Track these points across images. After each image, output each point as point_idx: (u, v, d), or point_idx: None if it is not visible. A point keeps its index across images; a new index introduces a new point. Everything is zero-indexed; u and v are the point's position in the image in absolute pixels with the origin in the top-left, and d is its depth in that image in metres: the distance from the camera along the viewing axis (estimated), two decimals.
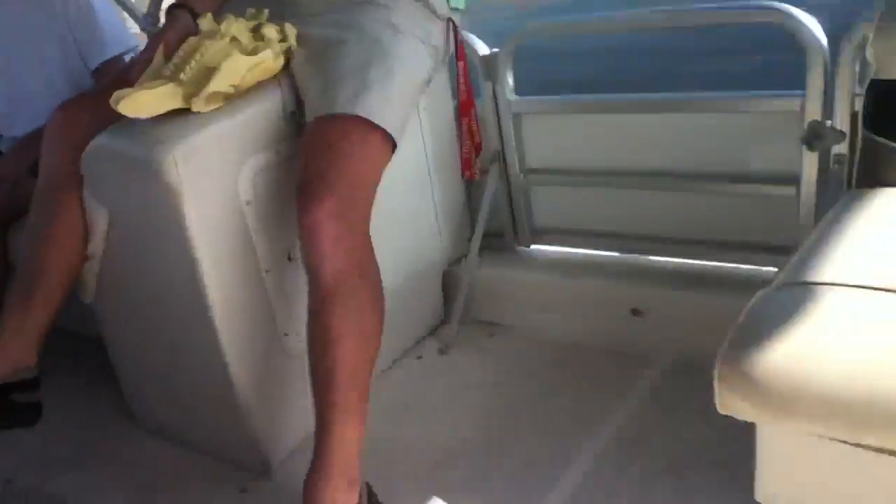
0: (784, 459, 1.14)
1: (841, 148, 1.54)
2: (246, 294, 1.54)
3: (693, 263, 1.85)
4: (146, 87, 1.40)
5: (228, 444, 1.65)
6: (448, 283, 2.07)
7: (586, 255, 2.02)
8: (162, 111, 1.41)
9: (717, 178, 1.77)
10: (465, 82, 1.78)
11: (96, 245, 1.59)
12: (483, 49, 1.92)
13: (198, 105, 1.40)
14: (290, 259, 1.58)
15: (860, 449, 1.00)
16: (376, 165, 1.46)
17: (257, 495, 1.58)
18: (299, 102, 1.52)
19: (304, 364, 1.56)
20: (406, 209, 1.89)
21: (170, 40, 1.50)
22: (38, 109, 2.14)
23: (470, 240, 2.07)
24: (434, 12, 1.64)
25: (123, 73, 1.56)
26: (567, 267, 2.01)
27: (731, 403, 1.05)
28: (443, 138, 1.96)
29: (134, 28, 2.56)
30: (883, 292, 1.02)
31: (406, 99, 1.54)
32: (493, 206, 2.02)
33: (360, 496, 1.36)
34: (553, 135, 1.97)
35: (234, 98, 1.45)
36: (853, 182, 1.43)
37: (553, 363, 1.84)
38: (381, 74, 1.46)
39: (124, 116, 1.41)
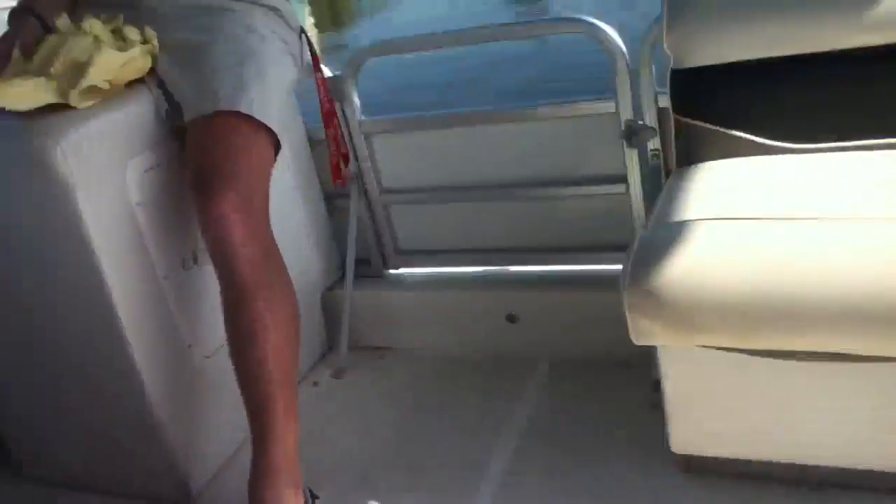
0: (688, 377, 1.27)
1: (655, 143, 1.73)
2: (147, 301, 1.46)
3: (555, 269, 1.97)
4: (18, 79, 1.33)
5: (141, 477, 1.53)
6: (328, 309, 2.07)
7: (455, 271, 2.09)
8: (38, 104, 1.34)
9: (555, 184, 1.91)
10: (325, 92, 1.82)
11: None
12: (328, 72, 1.98)
13: (74, 99, 1.35)
14: (184, 267, 1.50)
15: (755, 357, 1.18)
16: (267, 160, 1.46)
17: None
18: (171, 105, 1.50)
19: (212, 380, 1.46)
20: (278, 232, 1.87)
21: (24, 41, 1.44)
22: None
23: (342, 265, 2.08)
24: (288, 23, 1.68)
25: None
26: (439, 284, 2.07)
27: (642, 329, 1.20)
28: (301, 160, 1.98)
29: None
30: (740, 220, 1.24)
31: (281, 99, 1.56)
32: (357, 230, 2.05)
33: (304, 498, 1.32)
34: (404, 154, 2.05)
35: (109, 96, 1.41)
36: (673, 167, 1.63)
37: (445, 375, 1.89)
38: (254, 73, 1.48)
39: None
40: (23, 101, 1.33)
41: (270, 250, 1.39)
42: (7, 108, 1.33)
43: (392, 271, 2.15)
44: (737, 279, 1.14)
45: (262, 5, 1.63)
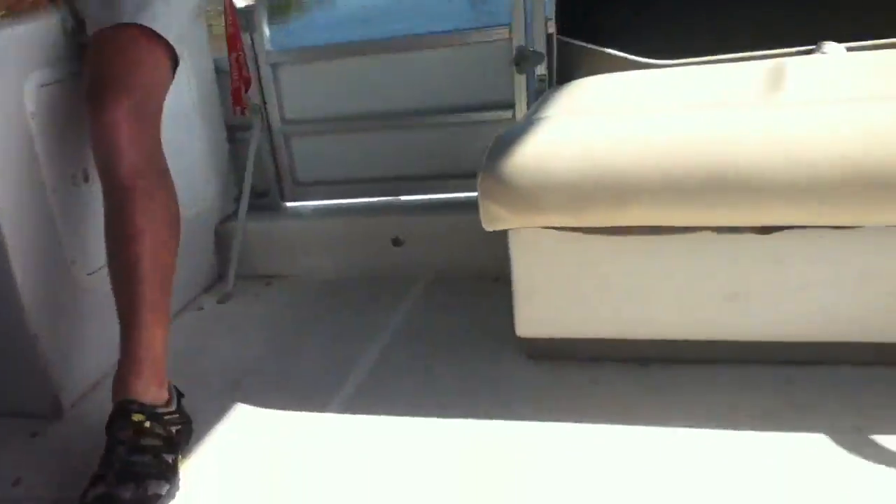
0: (533, 260, 1.38)
1: (543, 69, 1.81)
2: (32, 213, 1.45)
3: (441, 197, 2.04)
4: None
5: (14, 388, 1.52)
6: (220, 240, 2.07)
7: (348, 201, 2.13)
8: None
9: (448, 112, 1.97)
10: (232, 16, 1.80)
11: None
12: (240, 2, 1.94)
13: None
14: (74, 184, 1.49)
15: (589, 235, 1.31)
16: (164, 74, 1.46)
17: (49, 439, 1.46)
18: (77, 23, 1.49)
19: (93, 298, 1.44)
20: (174, 162, 1.85)
21: None
22: None
23: (237, 198, 2.08)
24: None
25: None
26: (330, 213, 2.11)
27: (492, 213, 1.32)
28: (204, 88, 1.96)
29: None
30: (578, 116, 1.40)
31: (182, 17, 1.54)
32: (256, 161, 2.06)
33: (170, 394, 1.33)
34: (308, 85, 2.06)
35: (18, 9, 1.43)
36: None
37: (329, 294, 1.94)
38: None
39: None
40: None
41: (154, 158, 1.40)
42: None
43: (289, 204, 2.16)
44: (571, 162, 1.27)
45: None
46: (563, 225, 1.32)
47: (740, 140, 1.21)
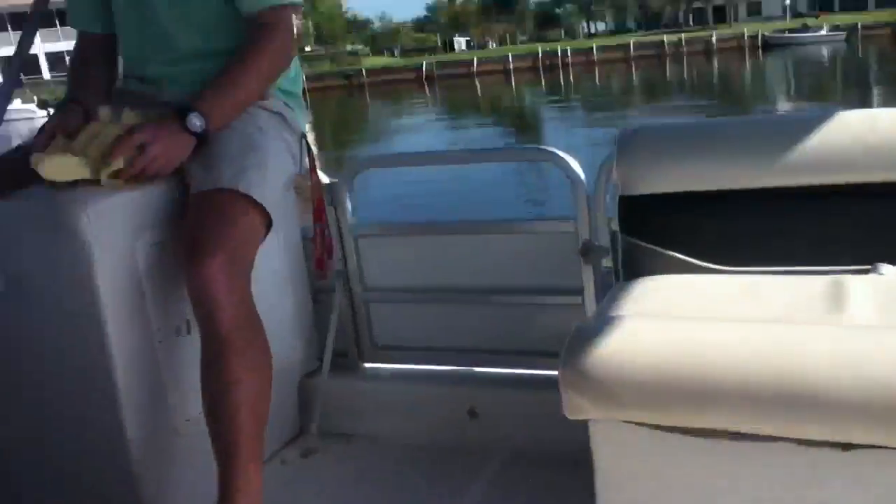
0: (615, 452, 1.41)
1: (608, 260, 1.93)
2: (142, 361, 1.61)
3: (517, 372, 2.12)
4: (59, 155, 1.55)
5: None
6: (302, 396, 2.20)
7: (424, 367, 2.24)
8: (73, 178, 1.55)
9: (518, 293, 2.09)
10: (318, 190, 2.01)
11: None
12: (325, 179, 2.19)
13: (103, 178, 1.56)
14: (178, 334, 1.65)
15: (672, 433, 1.33)
16: (256, 235, 1.64)
17: None
18: (184, 188, 1.70)
19: (191, 443, 1.56)
20: (263, 318, 2.01)
21: (68, 126, 1.66)
22: None
23: (320, 356, 2.21)
24: (290, 127, 1.91)
25: (22, 147, 1.70)
26: (409, 378, 2.22)
27: (574, 403, 1.37)
28: (292, 252, 2.16)
29: None
30: (656, 317, 1.47)
31: (277, 187, 1.75)
32: (338, 323, 2.21)
33: None
34: (387, 256, 2.24)
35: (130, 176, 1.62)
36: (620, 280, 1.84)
37: (404, 461, 2.02)
38: (255, 162, 1.68)
39: (16, 187, 1.57)
40: (60, 174, 1.55)
41: (250, 312, 1.55)
42: (46, 178, 1.54)
43: (367, 365, 2.29)
44: (648, 363, 1.32)
45: (269, 110, 1.86)
46: (643, 421, 1.36)
47: (810, 357, 1.25)
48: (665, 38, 53.23)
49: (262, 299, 1.69)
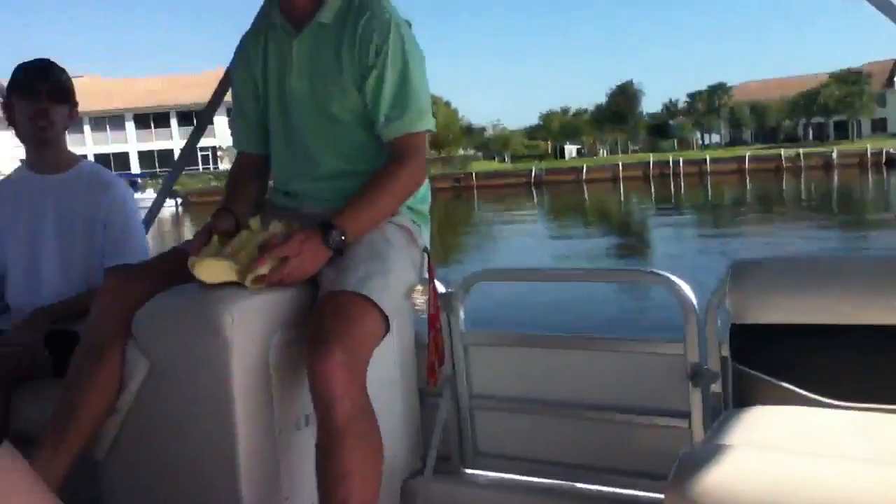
0: None
1: (717, 386, 1.95)
2: (262, 451, 1.73)
3: (618, 491, 2.13)
4: (212, 259, 1.75)
5: None
6: (405, 494, 2.26)
7: (524, 479, 2.27)
8: (222, 280, 1.74)
9: (623, 411, 2.12)
10: (435, 301, 2.14)
11: (126, 399, 1.77)
12: (441, 288, 2.32)
13: (248, 283, 1.74)
14: (297, 427, 1.78)
15: None
16: (374, 336, 1.76)
17: None
18: (315, 290, 1.85)
19: None
20: None
21: (219, 230, 1.89)
22: (49, 288, 2.40)
23: (423, 457, 2.29)
24: (415, 242, 2.08)
25: (178, 249, 1.93)
26: (509, 489, 2.26)
27: None
28: (405, 357, 2.27)
29: None
30: (767, 450, 1.47)
31: (397, 294, 1.89)
32: (443, 428, 2.28)
33: None
34: (495, 365, 2.32)
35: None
36: (729, 406, 1.85)
37: None
38: (380, 269, 1.83)
39: (170, 285, 1.76)
40: (211, 277, 1.74)
41: (365, 407, 1.65)
42: (198, 278, 1.73)
43: (468, 471, 2.34)
44: (761, 495, 1.33)
45: (397, 224, 2.03)
46: None
47: None
48: (783, 151, 52.31)
49: (374, 398, 1.77)
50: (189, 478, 1.78)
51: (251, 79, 2.13)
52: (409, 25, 2.01)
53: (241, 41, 2.19)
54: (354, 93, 1.98)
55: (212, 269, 1.74)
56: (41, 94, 2.40)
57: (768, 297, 1.80)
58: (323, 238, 1.81)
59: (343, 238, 1.83)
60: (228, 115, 2.35)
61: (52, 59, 2.50)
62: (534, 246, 19.06)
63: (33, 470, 1.60)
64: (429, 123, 2.01)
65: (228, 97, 2.38)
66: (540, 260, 15.93)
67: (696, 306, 1.97)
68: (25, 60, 2.48)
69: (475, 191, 48.59)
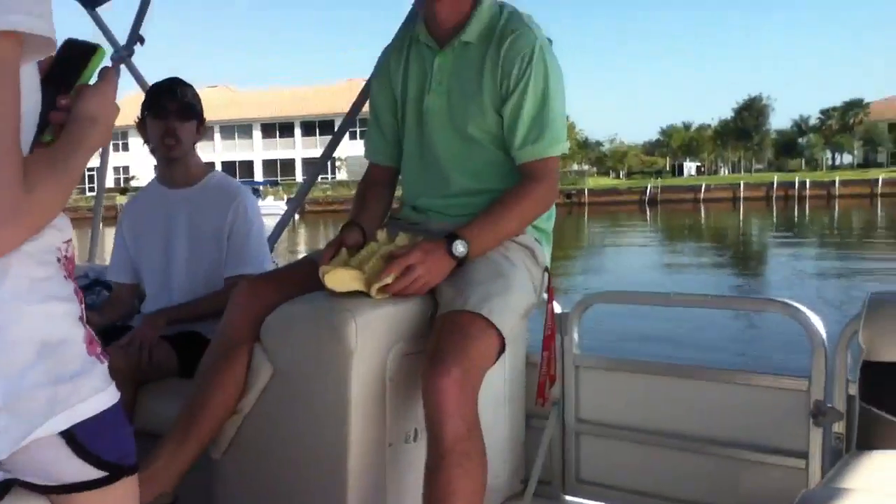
0: None
1: (840, 427, 1.86)
2: (372, 460, 1.78)
3: None
4: (341, 269, 1.82)
5: None
6: None
7: None
8: (350, 289, 1.81)
9: (737, 446, 2.04)
10: (552, 321, 2.13)
11: (249, 401, 1.86)
12: (558, 308, 2.30)
13: (374, 292, 1.80)
14: (406, 441, 1.80)
15: None
16: (490, 356, 1.78)
17: None
18: (435, 306, 1.89)
19: None
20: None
21: (348, 243, 1.97)
22: (179, 297, 2.54)
23: (524, 480, 2.28)
24: (536, 261, 2.07)
25: (309, 259, 2.04)
26: None
27: None
28: (515, 376, 2.27)
29: None
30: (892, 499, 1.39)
31: (516, 315, 1.89)
32: (547, 451, 2.27)
33: None
34: (605, 390, 2.28)
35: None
36: (851, 448, 1.75)
37: None
38: (500, 289, 1.84)
39: (300, 293, 1.85)
40: (339, 285, 1.81)
41: (474, 427, 1.67)
42: (328, 287, 1.80)
43: (569, 497, 2.31)
44: None
45: (519, 243, 2.03)
46: None
47: None
48: None
49: (481, 416, 1.76)
50: (299, 482, 1.84)
51: (390, 91, 2.19)
52: (550, 43, 2.02)
53: (383, 53, 2.25)
54: (492, 113, 2.01)
55: (340, 279, 1.81)
56: (170, 113, 2.54)
57: None
58: (447, 248, 1.84)
59: (467, 249, 1.85)
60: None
61: (180, 77, 2.65)
62: (641, 269, 18.68)
63: (156, 463, 1.71)
64: (564, 148, 2.02)
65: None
66: (646, 284, 15.52)
67: (826, 340, 1.87)
68: (173, 76, 2.64)
69: (586, 207, 47.98)
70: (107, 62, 1.15)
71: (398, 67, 2.15)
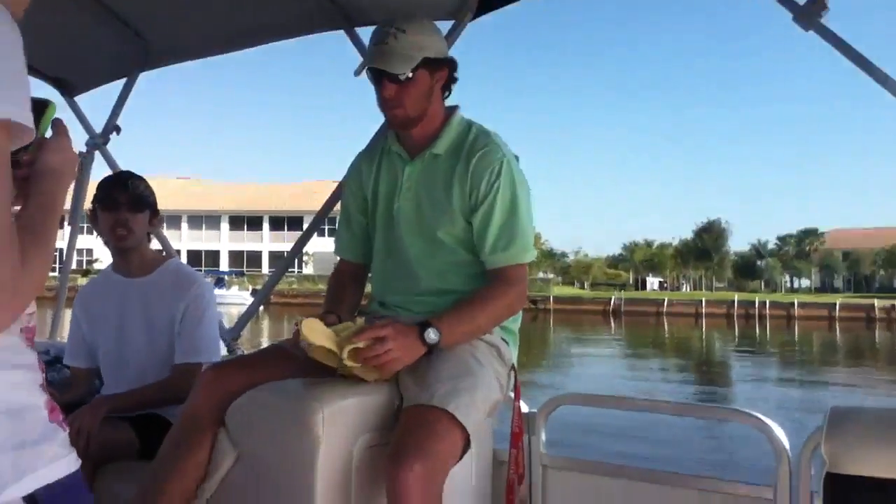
0: None
1: None
2: None
3: None
4: (318, 322, 1.85)
5: None
6: None
7: None
8: (322, 343, 1.81)
9: None
10: (519, 418, 2.12)
11: (210, 486, 1.80)
12: (525, 407, 2.29)
13: (346, 353, 1.80)
14: None
15: None
16: (455, 453, 1.77)
17: None
18: (400, 401, 1.89)
19: None
20: None
21: (327, 320, 1.96)
22: (130, 381, 2.49)
23: None
24: (503, 359, 2.08)
25: (276, 346, 2.02)
26: None
27: None
28: (482, 474, 2.23)
29: None
30: None
31: (482, 412, 1.88)
32: None
33: None
34: (572, 490, 2.26)
35: (367, 379, 1.86)
36: None
37: None
38: (468, 386, 1.84)
39: (268, 380, 1.84)
40: (314, 337, 1.81)
41: None
42: (302, 334, 1.79)
43: None
44: None
45: (486, 342, 2.04)
46: None
47: None
48: (876, 301, 50.39)
49: None
50: None
51: (362, 193, 2.26)
52: (517, 160, 2.11)
53: (357, 158, 2.35)
54: (462, 221, 2.09)
55: (316, 331, 1.81)
56: (121, 206, 2.56)
57: (868, 447, 1.72)
58: (419, 333, 1.86)
59: (438, 338, 1.87)
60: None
61: (131, 171, 2.72)
62: (609, 370, 18.70)
63: None
64: (532, 256, 2.10)
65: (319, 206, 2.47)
66: (613, 389, 15.61)
67: (790, 452, 1.89)
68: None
69: (551, 314, 48.26)
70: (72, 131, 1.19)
71: (370, 172, 2.25)
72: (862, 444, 1.72)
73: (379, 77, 2.04)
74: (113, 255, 2.70)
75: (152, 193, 2.67)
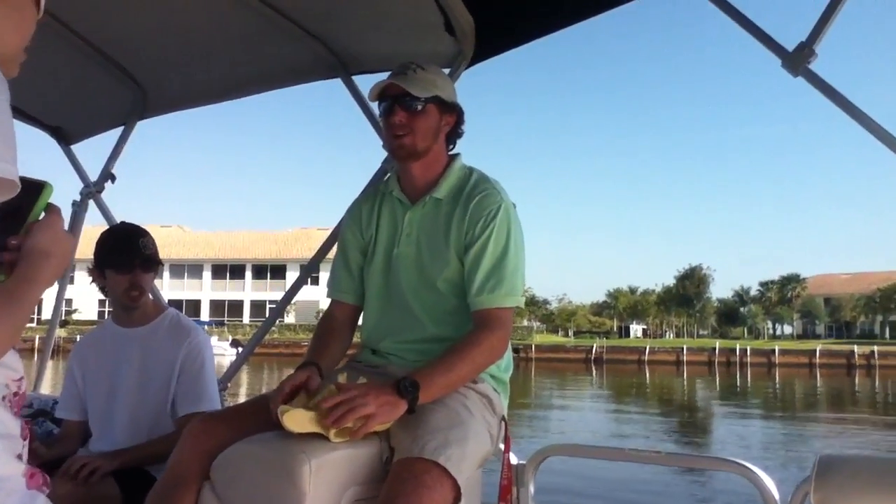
0: None
1: None
2: None
3: None
4: (300, 410, 1.80)
5: None
6: None
7: None
8: (307, 430, 1.77)
9: None
10: (508, 470, 2.12)
11: None
12: (514, 459, 2.29)
13: (332, 436, 1.78)
14: None
15: None
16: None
17: None
18: (391, 452, 1.87)
19: None
20: None
21: (311, 386, 1.93)
22: (120, 437, 2.47)
23: None
24: (494, 410, 2.08)
25: (263, 397, 1.98)
26: None
27: None
28: None
29: None
30: None
31: (473, 463, 1.88)
32: None
33: None
34: None
35: (356, 437, 1.82)
36: None
37: None
38: (459, 437, 1.83)
39: (254, 432, 1.81)
40: (297, 427, 1.78)
41: None
42: (286, 426, 1.77)
43: None
44: None
45: (478, 392, 2.04)
46: None
47: None
48: (856, 348, 50.70)
49: None
50: None
51: (361, 235, 2.27)
52: (514, 207, 2.15)
53: (356, 202, 2.36)
54: (456, 262, 2.10)
55: (299, 420, 1.79)
56: (135, 268, 2.55)
57: (858, 495, 1.73)
58: (395, 387, 1.84)
59: (416, 390, 1.85)
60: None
61: (137, 224, 2.69)
62: (590, 418, 18.61)
63: None
64: (518, 301, 2.10)
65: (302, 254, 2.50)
66: (596, 440, 15.55)
67: (779, 501, 1.90)
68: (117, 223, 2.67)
69: (533, 362, 48.07)
70: (61, 199, 1.20)
71: (371, 216, 2.26)
72: (851, 492, 1.74)
73: (391, 105, 2.09)
74: (115, 310, 2.68)
75: (156, 247, 2.66)
